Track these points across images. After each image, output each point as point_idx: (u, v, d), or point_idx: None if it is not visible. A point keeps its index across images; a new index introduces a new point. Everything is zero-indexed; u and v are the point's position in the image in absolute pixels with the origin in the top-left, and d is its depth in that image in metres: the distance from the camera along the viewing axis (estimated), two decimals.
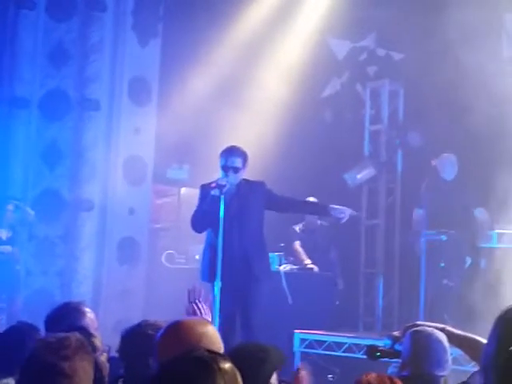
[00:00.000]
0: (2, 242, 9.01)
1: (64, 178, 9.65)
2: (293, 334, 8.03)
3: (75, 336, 2.83)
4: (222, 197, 6.42)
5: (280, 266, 8.74)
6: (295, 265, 8.96)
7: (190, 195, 10.03)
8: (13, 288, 9.07)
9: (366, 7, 9.46)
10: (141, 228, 10.04)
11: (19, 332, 3.79)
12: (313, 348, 7.97)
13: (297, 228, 9.48)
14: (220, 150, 6.78)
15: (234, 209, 6.65)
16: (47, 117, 9.67)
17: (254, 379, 2.99)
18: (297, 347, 8.00)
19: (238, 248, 6.69)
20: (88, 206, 9.60)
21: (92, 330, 3.62)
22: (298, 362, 7.83)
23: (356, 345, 7.69)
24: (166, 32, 10.21)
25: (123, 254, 9.81)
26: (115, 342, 3.53)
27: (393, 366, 4.19)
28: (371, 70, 10.48)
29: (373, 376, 2.86)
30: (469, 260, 8.28)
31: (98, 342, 3.43)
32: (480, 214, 8.21)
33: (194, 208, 6.90)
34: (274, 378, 3.18)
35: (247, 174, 6.84)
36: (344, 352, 7.79)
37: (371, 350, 3.95)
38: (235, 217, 6.64)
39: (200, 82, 9.99)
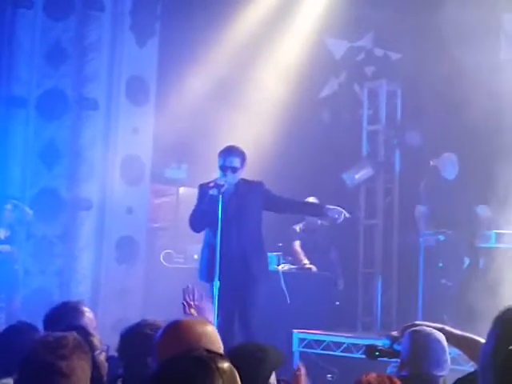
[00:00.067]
0: (0, 242, 9.01)
1: (62, 177, 9.65)
2: (291, 333, 8.03)
3: (72, 335, 2.83)
4: (220, 196, 6.43)
5: (278, 265, 8.74)
6: (293, 264, 8.96)
7: (188, 195, 10.03)
8: (11, 287, 9.07)
9: (364, 7, 9.47)
10: (139, 227, 10.04)
11: (18, 332, 3.79)
12: (311, 348, 7.97)
13: (297, 228, 9.48)
14: (218, 150, 6.79)
15: (233, 208, 6.65)
16: (45, 116, 9.66)
17: (253, 379, 3.00)
18: (295, 347, 8.00)
19: (236, 248, 6.70)
20: (86, 206, 9.60)
21: (91, 330, 3.62)
22: (296, 362, 7.84)
23: (354, 345, 7.69)
24: (163, 32, 10.21)
25: (121, 254, 9.81)
26: (114, 341, 3.53)
27: (391, 366, 4.19)
28: (369, 70, 10.49)
29: (373, 376, 2.86)
30: (467, 260, 8.28)
31: (96, 341, 3.43)
32: (482, 211, 8.21)
33: (192, 207, 6.91)
34: (273, 378, 3.19)
35: (245, 173, 6.85)
36: (342, 352, 7.79)
37: (370, 350, 3.95)
38: (233, 216, 6.65)
39: (198, 81, 9.98)
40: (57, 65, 9.69)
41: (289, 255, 9.15)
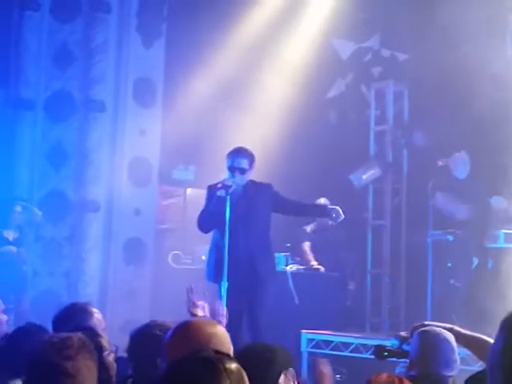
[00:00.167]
0: (9, 243, 9.02)
1: (69, 179, 9.67)
2: (300, 334, 8.03)
3: (77, 336, 2.83)
4: (228, 197, 6.43)
5: (287, 266, 8.74)
6: (301, 265, 8.95)
7: (195, 196, 10.03)
8: (20, 289, 9.07)
9: (370, 8, 9.46)
10: (147, 229, 10.06)
11: (27, 333, 3.79)
12: (320, 348, 7.97)
13: (308, 228, 9.46)
14: (225, 151, 6.80)
15: (241, 210, 6.65)
16: (52, 118, 9.68)
17: (261, 380, 2.99)
18: (304, 347, 7.99)
19: (244, 249, 6.70)
20: (94, 207, 9.62)
21: (99, 331, 3.62)
22: (305, 362, 7.85)
23: (363, 345, 7.69)
24: (170, 33, 10.22)
25: (129, 255, 9.83)
26: (122, 342, 3.54)
27: (400, 366, 4.19)
28: (376, 70, 10.47)
29: (383, 377, 2.86)
30: (476, 260, 8.26)
31: (105, 342, 3.44)
32: (496, 202, 8.13)
33: (200, 208, 6.91)
34: (282, 379, 3.18)
35: (252, 175, 6.85)
36: (351, 352, 7.79)
37: (379, 350, 3.95)
38: (241, 218, 6.65)
39: (204, 83, 9.99)
40: (64, 67, 9.72)
41: (297, 256, 9.14)
